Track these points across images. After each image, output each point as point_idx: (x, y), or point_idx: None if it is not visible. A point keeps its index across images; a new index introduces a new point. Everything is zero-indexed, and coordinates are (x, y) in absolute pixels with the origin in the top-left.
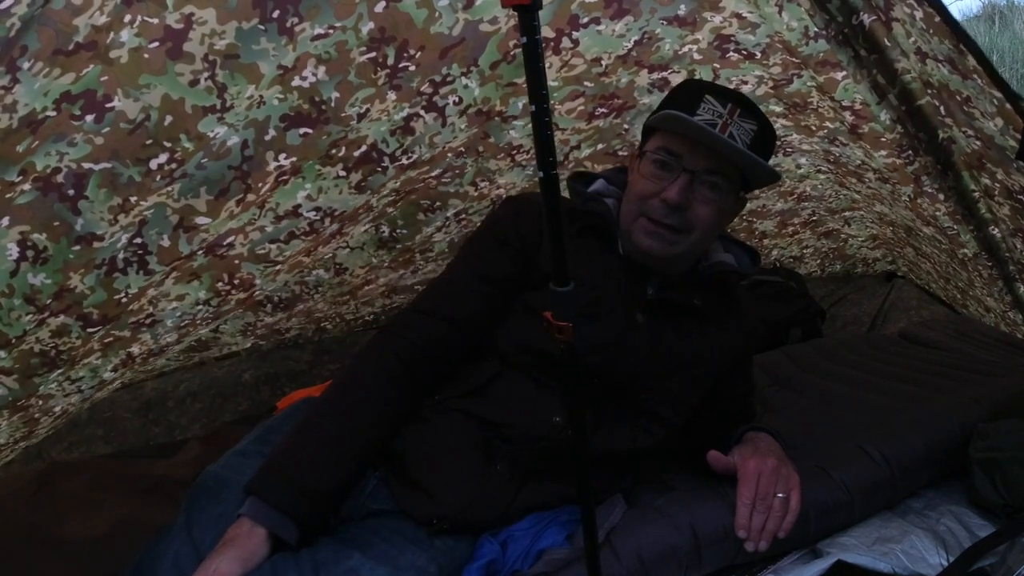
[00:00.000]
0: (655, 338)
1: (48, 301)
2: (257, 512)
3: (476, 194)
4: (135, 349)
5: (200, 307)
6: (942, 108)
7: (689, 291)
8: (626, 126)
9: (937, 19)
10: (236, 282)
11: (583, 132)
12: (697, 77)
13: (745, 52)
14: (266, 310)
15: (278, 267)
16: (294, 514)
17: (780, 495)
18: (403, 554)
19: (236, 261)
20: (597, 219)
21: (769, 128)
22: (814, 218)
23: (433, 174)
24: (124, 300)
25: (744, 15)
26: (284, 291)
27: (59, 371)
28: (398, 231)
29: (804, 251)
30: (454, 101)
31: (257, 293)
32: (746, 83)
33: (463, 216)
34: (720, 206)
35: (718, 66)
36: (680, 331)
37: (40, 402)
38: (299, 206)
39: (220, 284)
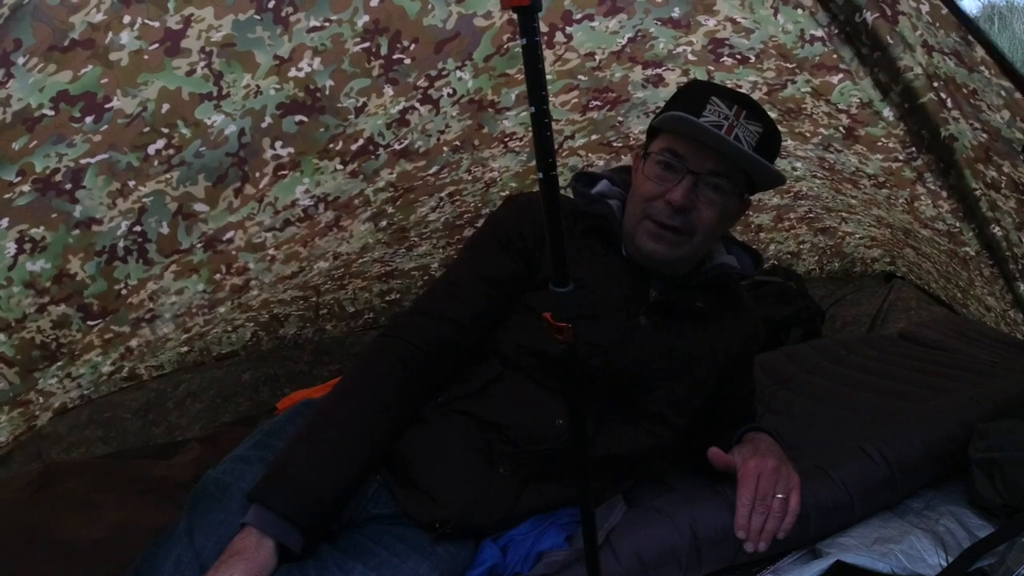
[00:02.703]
0: (656, 340)
1: (48, 284)
2: (262, 521)
3: (470, 178)
4: (134, 343)
5: (196, 295)
6: (949, 101)
7: (691, 293)
8: (620, 118)
9: (944, 11)
10: (232, 271)
11: (577, 123)
12: (693, 78)
13: (739, 56)
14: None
15: (271, 253)
16: (299, 522)
17: (780, 496)
18: (405, 563)
19: (233, 252)
20: (600, 221)
21: (774, 131)
22: (810, 215)
23: (431, 171)
24: (124, 292)
25: (739, 20)
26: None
27: (58, 364)
28: (395, 218)
29: (801, 247)
30: (448, 93)
31: (252, 282)
32: (740, 87)
33: (456, 196)
34: (724, 208)
35: (712, 68)
36: (681, 332)
37: (41, 399)
38: (297, 200)
39: (217, 276)
